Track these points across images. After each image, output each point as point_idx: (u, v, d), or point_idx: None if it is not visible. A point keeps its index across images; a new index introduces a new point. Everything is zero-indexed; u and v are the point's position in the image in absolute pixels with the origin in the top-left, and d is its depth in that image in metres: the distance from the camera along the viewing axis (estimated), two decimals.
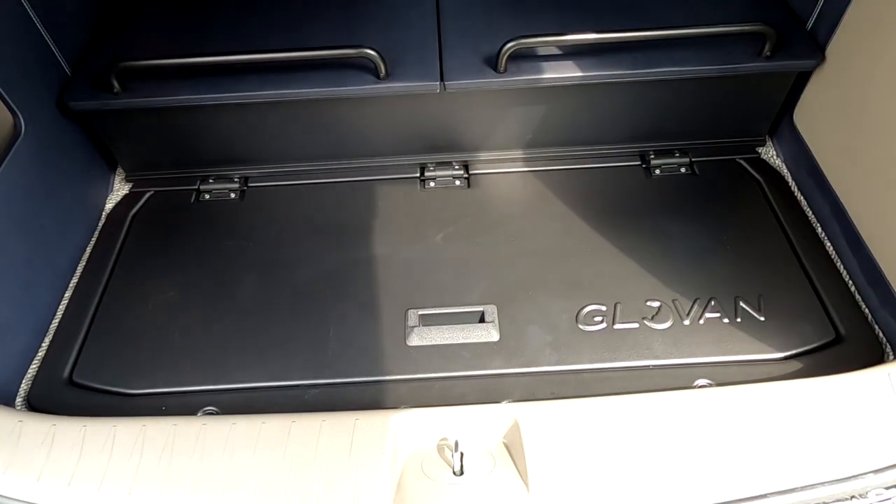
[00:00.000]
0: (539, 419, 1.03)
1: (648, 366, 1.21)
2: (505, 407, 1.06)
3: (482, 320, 1.28)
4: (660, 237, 1.41)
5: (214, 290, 1.37)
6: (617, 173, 1.57)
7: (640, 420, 1.02)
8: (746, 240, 1.40)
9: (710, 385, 1.17)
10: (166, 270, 1.41)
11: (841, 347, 1.21)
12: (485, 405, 1.07)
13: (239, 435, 1.03)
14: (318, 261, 1.41)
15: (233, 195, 1.57)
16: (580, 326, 1.27)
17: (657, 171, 1.56)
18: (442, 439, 1.05)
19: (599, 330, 1.26)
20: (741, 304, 1.28)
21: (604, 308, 1.29)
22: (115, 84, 1.37)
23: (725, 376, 1.18)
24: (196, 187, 1.58)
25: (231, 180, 1.59)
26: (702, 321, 1.27)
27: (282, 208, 1.54)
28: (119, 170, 1.65)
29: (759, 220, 1.44)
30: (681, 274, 1.34)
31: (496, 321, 1.27)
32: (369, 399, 1.18)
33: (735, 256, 1.36)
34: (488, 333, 1.25)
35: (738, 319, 1.26)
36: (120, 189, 1.62)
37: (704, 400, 1.04)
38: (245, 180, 1.59)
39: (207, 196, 1.57)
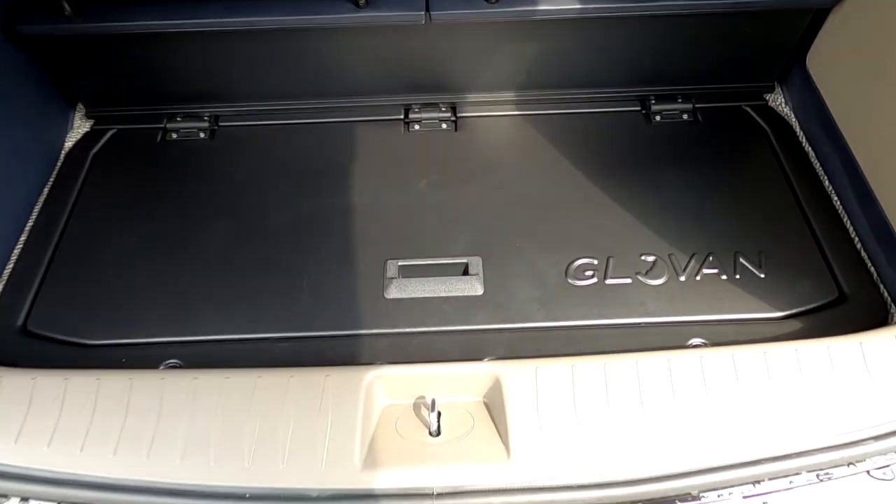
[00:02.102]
0: (522, 378, 0.96)
1: (641, 323, 1.14)
2: (486, 365, 0.99)
3: (466, 273, 1.20)
4: (658, 188, 1.33)
5: (181, 236, 1.28)
6: (614, 119, 1.47)
7: (629, 381, 0.96)
8: (749, 192, 1.31)
9: (705, 345, 1.10)
10: (129, 214, 1.31)
11: (844, 307, 1.15)
12: (464, 363, 1.00)
13: (201, 390, 0.96)
14: (293, 207, 1.32)
15: (202, 135, 1.46)
16: (570, 281, 1.19)
17: (657, 118, 1.46)
18: (418, 398, 0.99)
19: (590, 285, 1.19)
20: (741, 260, 1.21)
21: (595, 262, 1.22)
22: (66, 6, 1.24)
23: (722, 336, 1.11)
24: (162, 126, 1.47)
25: (200, 119, 1.47)
26: (698, 277, 1.19)
27: (254, 150, 1.43)
28: (80, 106, 1.52)
29: (763, 172, 1.35)
30: (678, 227, 1.26)
31: (481, 274, 1.19)
32: (344, 355, 1.11)
33: (736, 210, 1.28)
34: (472, 287, 1.18)
35: (737, 276, 1.19)
36: (80, 126, 1.50)
37: (698, 360, 0.97)
38: (215, 119, 1.48)
39: (174, 135, 1.46)
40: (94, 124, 1.49)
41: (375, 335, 1.13)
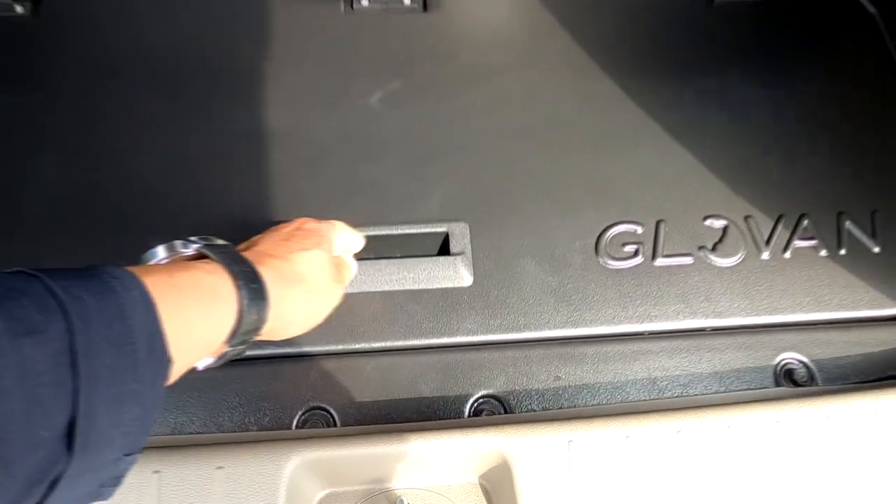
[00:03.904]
0: (546, 461, 0.59)
1: (705, 329, 0.77)
2: (482, 437, 0.60)
3: (445, 250, 0.78)
4: (723, 110, 0.89)
5: None
6: (660, 0, 0.99)
7: (704, 454, 0.60)
8: (856, 120, 0.90)
9: (801, 366, 0.74)
10: None
11: None
12: (445, 433, 0.61)
13: None
14: (166, 138, 0.84)
15: (20, 9, 0.92)
16: (602, 261, 0.79)
17: None
18: (375, 482, 0.61)
19: (632, 267, 0.79)
20: (847, 224, 0.82)
21: (639, 230, 0.81)
22: None
23: (825, 347, 0.75)
24: None
25: None
26: (788, 254, 0.81)
27: (105, 37, 0.91)
28: None
29: (874, 85, 0.93)
30: (759, 174, 0.85)
31: (468, 252, 0.77)
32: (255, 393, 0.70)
33: (838, 148, 0.87)
34: (455, 273, 0.76)
35: (843, 251, 0.81)
36: None
37: (805, 417, 0.62)
38: None
39: None
40: None
41: (297, 361, 0.72)
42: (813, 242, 0.81)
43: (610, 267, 0.79)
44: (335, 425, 0.69)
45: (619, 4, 0.97)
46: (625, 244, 0.80)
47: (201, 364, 0.48)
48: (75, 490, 0.33)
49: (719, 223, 0.82)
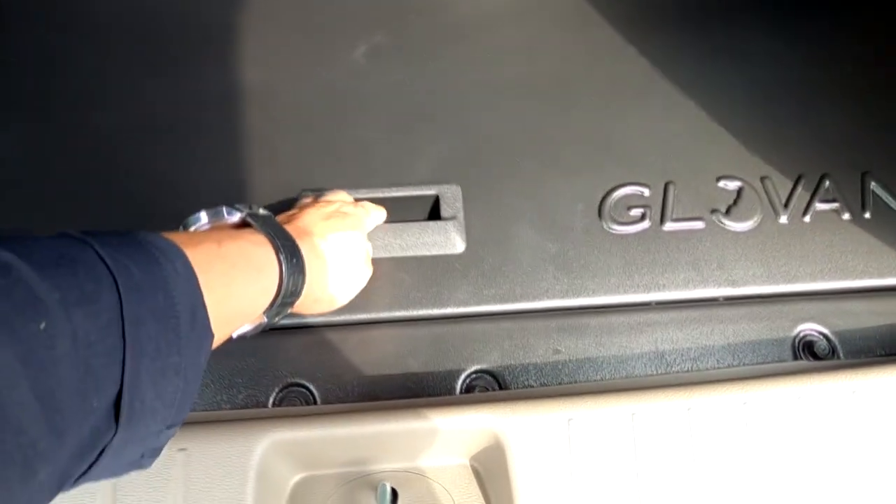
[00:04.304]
0: (541, 439, 0.53)
1: (719, 298, 0.71)
2: (472, 414, 0.55)
3: (435, 214, 0.72)
4: (738, 62, 0.83)
5: None
6: None
7: (717, 433, 0.55)
8: (882, 74, 0.83)
9: (822, 338, 0.68)
10: None
11: None
12: (435, 410, 0.55)
13: None
14: (134, 100, 0.77)
15: None
16: (606, 226, 0.73)
17: None
18: (356, 463, 0.56)
19: (639, 232, 0.73)
20: (872, 185, 0.76)
21: (646, 192, 0.75)
22: None
23: (849, 318, 0.69)
24: None
25: None
26: (808, 217, 0.74)
27: None
28: None
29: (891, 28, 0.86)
30: (776, 132, 0.78)
31: (460, 216, 0.71)
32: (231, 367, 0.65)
33: (862, 104, 0.80)
34: (446, 239, 0.70)
35: (867, 214, 0.75)
36: None
37: (828, 392, 0.56)
38: None
39: None
40: None
41: (275, 334, 0.66)
42: (835, 205, 0.75)
43: (614, 232, 0.72)
44: (315, 403, 0.64)
45: None
46: (630, 208, 0.74)
47: (236, 332, 0.48)
48: (119, 459, 0.34)
49: (733, 185, 0.75)
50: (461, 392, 0.64)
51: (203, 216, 0.52)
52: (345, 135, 0.76)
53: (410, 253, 0.70)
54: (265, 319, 0.49)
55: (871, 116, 0.79)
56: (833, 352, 0.68)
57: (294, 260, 0.49)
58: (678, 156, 0.76)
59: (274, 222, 0.52)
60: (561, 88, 0.79)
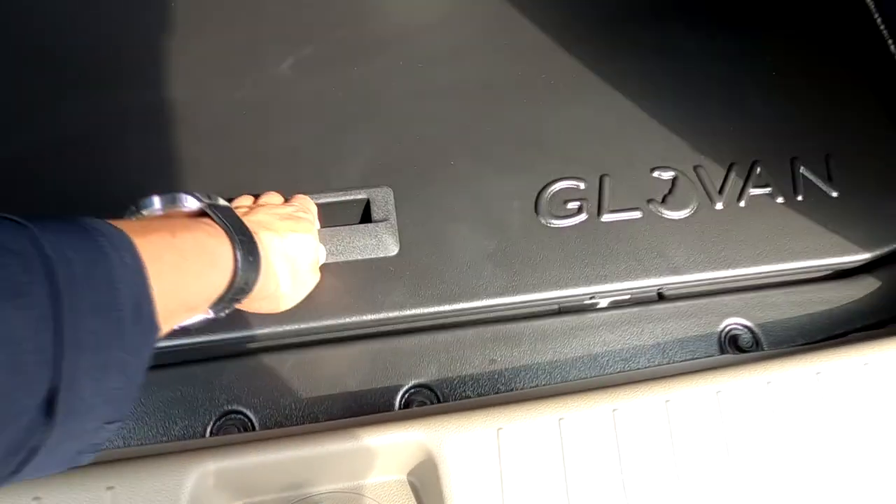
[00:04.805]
0: (473, 452, 0.50)
1: (653, 287, 0.69)
2: (406, 431, 0.52)
3: (367, 217, 0.70)
4: (671, 61, 0.84)
5: None
6: None
7: (640, 431, 0.53)
8: (810, 60, 0.85)
9: (746, 331, 0.67)
10: None
11: None
12: (367, 429, 0.51)
13: None
14: (49, 114, 0.74)
15: None
16: (543, 220, 0.71)
17: None
18: (292, 487, 0.51)
19: (577, 224, 0.71)
20: (802, 170, 0.77)
21: (582, 185, 0.74)
22: None
23: (768, 311, 0.69)
24: None
25: None
26: (743, 202, 0.74)
27: None
28: None
29: (821, 28, 0.89)
30: (706, 123, 0.79)
31: (393, 219, 0.69)
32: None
33: (786, 93, 0.82)
34: (378, 242, 0.68)
35: (800, 197, 0.75)
36: None
37: (745, 385, 0.55)
38: None
39: None
40: None
41: (210, 362, 0.63)
42: (768, 190, 0.75)
43: (552, 226, 0.71)
44: (254, 429, 0.60)
45: None
46: (567, 201, 0.72)
47: (179, 325, 0.46)
48: (53, 457, 0.32)
49: (668, 174, 0.75)
50: (400, 408, 0.61)
51: (156, 201, 0.49)
52: (272, 143, 0.74)
53: (342, 258, 0.67)
54: (211, 313, 0.48)
55: (794, 107, 0.80)
56: (756, 343, 0.68)
57: (251, 258, 0.48)
58: (612, 149, 0.76)
59: (233, 215, 0.49)
60: (491, 90, 0.78)
